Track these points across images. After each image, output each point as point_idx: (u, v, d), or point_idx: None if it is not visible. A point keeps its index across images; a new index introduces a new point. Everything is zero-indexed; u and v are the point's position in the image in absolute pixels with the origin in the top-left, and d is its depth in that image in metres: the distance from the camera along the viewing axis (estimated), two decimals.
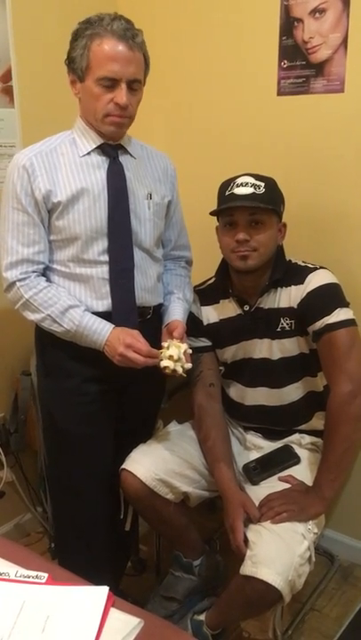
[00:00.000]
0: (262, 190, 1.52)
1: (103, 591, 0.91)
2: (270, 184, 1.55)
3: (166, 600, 1.73)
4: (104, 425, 1.62)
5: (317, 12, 1.76)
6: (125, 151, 1.53)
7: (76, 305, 1.45)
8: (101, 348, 1.44)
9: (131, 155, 1.54)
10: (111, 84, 1.37)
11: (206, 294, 1.74)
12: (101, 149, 1.49)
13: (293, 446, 1.69)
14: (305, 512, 1.46)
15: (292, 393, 1.68)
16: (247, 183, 1.52)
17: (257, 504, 1.51)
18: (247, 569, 1.38)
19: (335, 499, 1.96)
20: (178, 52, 2.09)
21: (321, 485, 1.51)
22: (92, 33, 1.36)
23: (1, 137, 1.91)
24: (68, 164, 1.46)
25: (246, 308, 1.65)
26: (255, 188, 1.52)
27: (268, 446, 1.73)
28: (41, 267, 1.49)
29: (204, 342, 1.72)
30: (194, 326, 1.71)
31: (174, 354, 1.41)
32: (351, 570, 2.04)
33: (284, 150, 1.93)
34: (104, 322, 1.45)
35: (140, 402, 1.67)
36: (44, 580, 0.94)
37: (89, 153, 1.48)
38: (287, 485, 1.56)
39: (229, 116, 2.03)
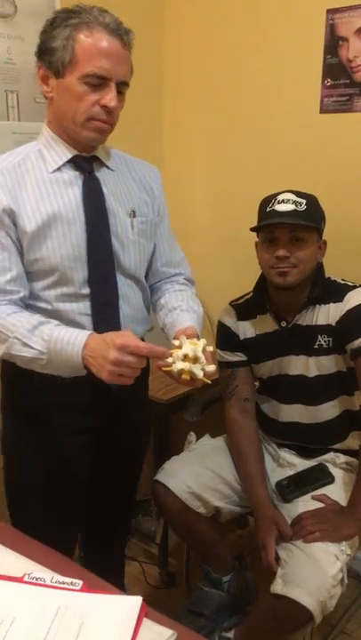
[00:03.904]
0: (304, 207, 1.52)
1: (137, 601, 0.91)
2: (312, 201, 1.55)
3: (194, 615, 1.72)
4: (77, 479, 1.47)
5: None
6: (101, 164, 1.32)
7: (47, 321, 1.19)
8: (80, 362, 1.11)
9: (108, 167, 1.33)
10: (99, 82, 1.16)
11: (243, 309, 1.73)
12: (74, 163, 1.27)
13: (328, 465, 1.68)
14: (338, 533, 1.45)
15: (328, 411, 1.66)
16: (288, 200, 1.53)
17: (289, 522, 1.50)
18: (278, 587, 1.37)
19: None
20: (221, 69, 2.12)
21: (355, 506, 1.49)
22: (79, 22, 1.15)
23: None
24: (36, 182, 1.24)
25: (283, 324, 1.64)
26: (296, 205, 1.52)
27: (302, 464, 1.71)
28: (15, 296, 1.24)
29: (239, 357, 1.72)
30: (230, 340, 1.71)
31: (189, 351, 1.11)
32: None
33: (326, 167, 1.93)
34: (78, 330, 1.16)
35: (122, 451, 1.55)
36: (78, 587, 0.95)
37: (59, 168, 1.26)
38: (320, 504, 1.54)
39: (272, 132, 2.05)
